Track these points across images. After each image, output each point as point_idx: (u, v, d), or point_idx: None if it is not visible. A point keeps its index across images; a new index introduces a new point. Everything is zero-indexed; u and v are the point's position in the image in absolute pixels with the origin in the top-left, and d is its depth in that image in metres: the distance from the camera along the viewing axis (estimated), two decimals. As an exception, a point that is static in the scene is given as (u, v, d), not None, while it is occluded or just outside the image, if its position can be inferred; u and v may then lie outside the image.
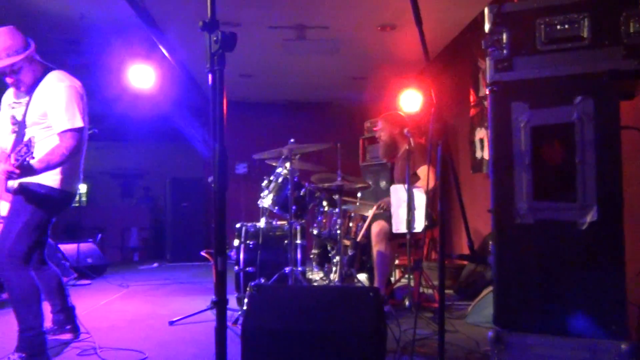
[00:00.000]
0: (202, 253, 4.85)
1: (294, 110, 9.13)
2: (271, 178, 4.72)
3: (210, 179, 4.72)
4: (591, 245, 2.18)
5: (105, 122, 9.45)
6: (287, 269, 4.18)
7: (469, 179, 6.18)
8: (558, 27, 2.37)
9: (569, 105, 2.26)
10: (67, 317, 3.59)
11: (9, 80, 3.09)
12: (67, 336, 3.57)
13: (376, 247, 4.41)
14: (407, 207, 4.09)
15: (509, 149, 2.32)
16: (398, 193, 4.25)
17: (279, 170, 4.69)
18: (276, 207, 4.58)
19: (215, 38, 1.54)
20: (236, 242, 4.60)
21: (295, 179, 4.61)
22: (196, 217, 8.14)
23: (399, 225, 4.19)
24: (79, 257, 6.01)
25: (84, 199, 11.51)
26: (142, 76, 6.57)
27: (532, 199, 2.27)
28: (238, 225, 4.74)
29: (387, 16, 5.47)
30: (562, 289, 2.19)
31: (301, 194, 4.64)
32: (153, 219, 9.67)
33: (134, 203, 10.90)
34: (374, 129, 5.08)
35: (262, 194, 4.71)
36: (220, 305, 1.46)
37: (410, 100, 6.73)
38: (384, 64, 6.84)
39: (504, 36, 2.46)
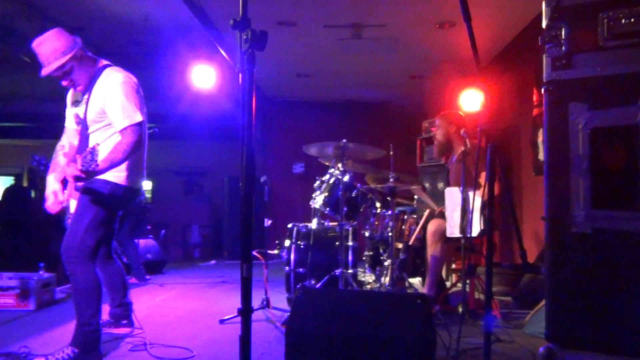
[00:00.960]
0: (254, 253, 4.85)
1: (351, 110, 9.06)
2: (323, 178, 4.68)
3: (262, 179, 4.76)
4: (656, 259, 2.00)
5: (167, 121, 9.72)
6: (337, 271, 4.11)
7: (531, 181, 5.91)
8: (623, 21, 2.20)
9: (633, 106, 2.08)
10: (124, 312, 3.68)
11: (64, 83, 3.16)
12: (122, 330, 3.65)
13: (430, 248, 4.29)
14: (462, 210, 3.94)
15: (566, 152, 2.17)
16: (453, 196, 4.11)
17: (331, 170, 4.63)
18: (327, 208, 4.53)
19: (245, 37, 1.49)
20: (287, 243, 4.58)
21: (348, 180, 4.55)
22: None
23: (453, 229, 4.04)
24: (138, 253, 6.14)
25: (148, 195, 11.86)
26: (203, 76, 6.66)
27: (590, 206, 2.12)
28: (290, 226, 4.72)
29: (445, 13, 5.32)
30: (620, 305, 2.03)
31: (353, 195, 4.55)
32: (213, 216, 9.83)
33: (196, 200, 11.12)
34: (432, 128, 4.94)
35: (314, 195, 4.67)
36: (245, 314, 1.41)
37: (471, 100, 6.51)
38: (443, 62, 6.67)
39: (563, 32, 2.31)
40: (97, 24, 5.76)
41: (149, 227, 6.84)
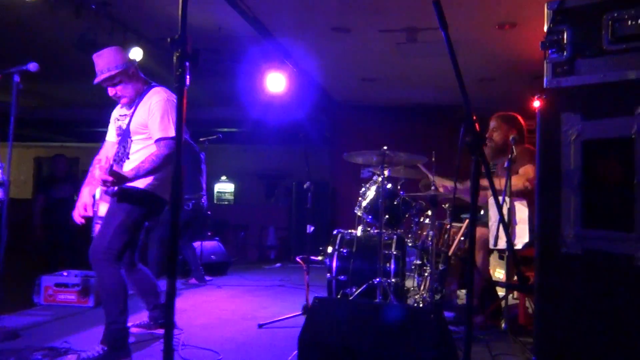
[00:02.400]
0: (297, 259, 4.90)
1: (420, 114, 8.90)
2: (367, 185, 4.65)
3: (306, 185, 4.80)
4: (650, 285, 1.81)
5: (244, 125, 10.05)
6: (376, 280, 4.07)
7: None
8: (629, 22, 2.01)
9: (629, 116, 1.89)
10: (162, 314, 3.83)
11: (110, 93, 3.38)
12: (161, 331, 3.82)
13: (478, 254, 4.13)
14: (506, 221, 3.76)
15: (557, 166, 2.01)
16: (496, 205, 3.94)
17: (374, 178, 4.60)
18: (369, 216, 4.51)
19: (178, 54, 1.51)
20: (329, 249, 4.58)
21: (391, 187, 4.50)
22: (318, 220, 8.29)
23: (496, 240, 3.87)
24: (202, 254, 6.40)
25: (231, 197, 12.29)
26: (275, 83, 6.83)
27: (580, 225, 1.95)
28: (335, 232, 4.72)
29: (503, 14, 5.09)
30: (611, 333, 1.85)
31: (395, 202, 4.48)
32: (290, 219, 10.01)
33: (274, 203, 11.39)
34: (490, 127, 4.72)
35: (358, 202, 4.66)
36: (166, 333, 1.42)
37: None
38: (509, 64, 6.37)
39: (565, 35, 2.14)
40: (176, 34, 6.06)
41: (210, 233, 7.07)
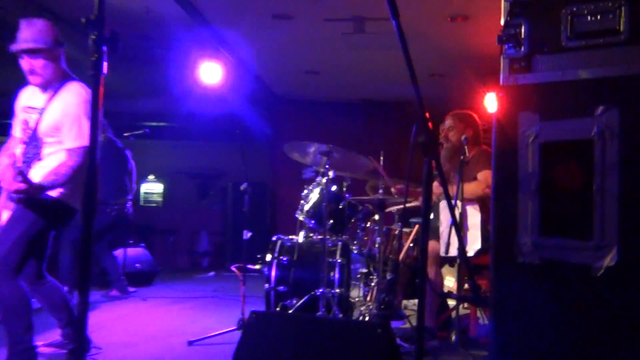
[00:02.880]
0: (232, 268, 4.82)
1: (370, 109, 8.97)
2: (310, 187, 4.62)
3: (242, 187, 4.72)
4: (608, 297, 1.85)
5: (175, 120, 9.83)
6: (318, 291, 4.04)
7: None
8: (589, 18, 2.05)
9: (588, 117, 1.93)
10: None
11: (25, 65, 3.17)
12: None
13: (429, 269, 4.17)
14: (458, 227, 3.81)
15: (513, 169, 2.03)
16: (448, 210, 3.98)
17: (318, 179, 4.56)
18: (312, 221, 4.47)
19: (94, 38, 1.42)
20: (268, 257, 4.51)
21: (335, 190, 4.48)
22: (256, 224, 8.22)
23: (448, 247, 3.91)
24: (125, 262, 6.20)
25: (159, 199, 12.01)
26: (210, 73, 6.66)
27: (538, 233, 1.98)
28: (274, 239, 4.66)
29: (455, 5, 5.18)
30: (569, 345, 1.89)
31: (340, 206, 4.47)
32: (225, 223, 9.86)
33: (208, 205, 11.21)
34: (442, 127, 4.78)
35: (300, 205, 4.61)
36: (77, 355, 1.33)
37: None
38: (461, 59, 6.50)
39: (523, 29, 2.17)
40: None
41: (132, 240, 6.88)
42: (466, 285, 5.44)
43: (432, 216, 4.94)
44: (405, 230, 4.47)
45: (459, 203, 3.82)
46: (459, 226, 3.80)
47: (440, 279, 4.21)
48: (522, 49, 2.17)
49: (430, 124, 2.09)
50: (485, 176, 4.15)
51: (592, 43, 2.04)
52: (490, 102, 6.29)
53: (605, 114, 1.92)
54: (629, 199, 1.86)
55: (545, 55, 2.13)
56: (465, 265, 2.98)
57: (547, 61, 2.12)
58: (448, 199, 2.17)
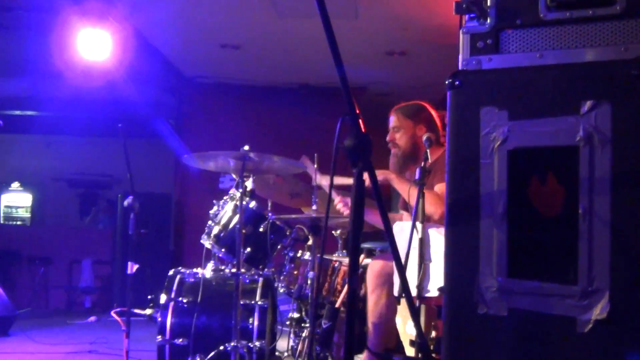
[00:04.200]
0: (112, 313, 4.68)
1: (303, 99, 8.95)
2: (221, 202, 4.55)
3: (127, 202, 4.58)
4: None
5: (45, 107, 9.60)
6: (229, 346, 3.96)
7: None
8: (574, -17, 2.03)
9: (572, 116, 1.89)
10: None
11: None
12: None
13: (372, 296, 4.12)
14: (418, 257, 3.78)
15: (473, 186, 1.98)
16: (404, 234, 3.94)
17: (231, 192, 4.51)
18: (222, 249, 4.40)
19: None
20: (163, 299, 4.39)
21: (254, 207, 4.42)
22: (154, 253, 8.08)
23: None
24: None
25: (26, 214, 11.70)
26: (95, 46, 6.53)
27: (505, 274, 1.93)
28: (171, 273, 4.55)
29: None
30: None
31: (261, 229, 4.40)
32: (114, 248, 9.65)
33: (91, 224, 10.99)
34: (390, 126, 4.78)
35: (207, 227, 4.53)
36: None
37: None
38: (425, 34, 6.55)
39: (490, -3, 2.13)
40: None
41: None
42: (434, 333, 5.45)
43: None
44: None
45: (418, 225, 3.78)
46: (420, 255, 3.77)
47: (392, 310, 4.16)
48: (488, 21, 2.12)
49: (361, 122, 2.04)
50: (441, 189, 4.15)
51: (578, 16, 2.01)
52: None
53: (593, 111, 1.87)
54: (624, 226, 1.81)
55: (517, 30, 2.09)
56: (412, 311, 2.92)
57: (520, 39, 2.08)
58: (387, 226, 2.12)
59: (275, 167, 4.33)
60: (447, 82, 2.08)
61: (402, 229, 3.90)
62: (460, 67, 2.14)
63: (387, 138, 4.56)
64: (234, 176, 4.55)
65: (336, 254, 4.85)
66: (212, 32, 7.14)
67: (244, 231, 4.10)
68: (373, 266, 4.15)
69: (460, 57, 2.16)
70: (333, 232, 4.95)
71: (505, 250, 1.93)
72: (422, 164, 4.02)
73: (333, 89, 8.88)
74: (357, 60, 7.69)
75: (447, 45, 6.71)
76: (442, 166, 4.19)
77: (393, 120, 4.55)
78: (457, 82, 2.05)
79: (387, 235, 2.13)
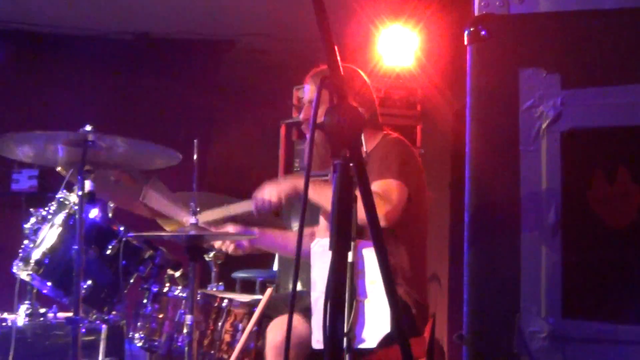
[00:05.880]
0: None
1: (152, 54, 8.93)
2: (44, 212, 4.46)
3: None
4: None
5: None
6: None
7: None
8: None
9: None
10: None
11: None
12: None
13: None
14: (347, 291, 3.83)
15: (508, 186, 2.01)
16: (325, 257, 3.98)
17: (60, 195, 4.42)
18: (48, 283, 4.31)
19: None
20: None
21: (98, 217, 4.36)
22: None
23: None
24: None
25: None
26: None
27: (560, 312, 1.97)
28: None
29: None
30: None
31: (108, 251, 4.34)
32: None
33: None
34: (304, 99, 4.87)
35: (22, 249, 4.43)
36: None
37: (396, 46, 6.60)
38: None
39: None
40: None
41: None
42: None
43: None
44: (242, 298, 4.42)
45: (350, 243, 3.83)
46: (350, 288, 3.82)
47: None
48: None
49: (342, 86, 2.05)
50: (387, 188, 4.22)
51: None
52: (387, 47, 6.55)
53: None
54: None
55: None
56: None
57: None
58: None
59: (133, 157, 4.30)
60: (466, 33, 2.10)
61: (324, 248, 3.94)
62: (476, 10, 2.17)
63: (301, 117, 4.60)
64: (61, 172, 4.48)
65: (212, 287, 4.87)
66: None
67: (83, 254, 4.04)
68: (271, 342, 4.15)
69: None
70: (205, 256, 4.95)
71: (558, 278, 1.97)
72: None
73: (185, 41, 8.92)
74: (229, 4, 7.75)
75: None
76: (382, 157, 4.29)
77: (310, 90, 4.59)
78: (483, 32, 2.08)
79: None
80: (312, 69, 4.73)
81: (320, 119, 4.44)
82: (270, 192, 4.15)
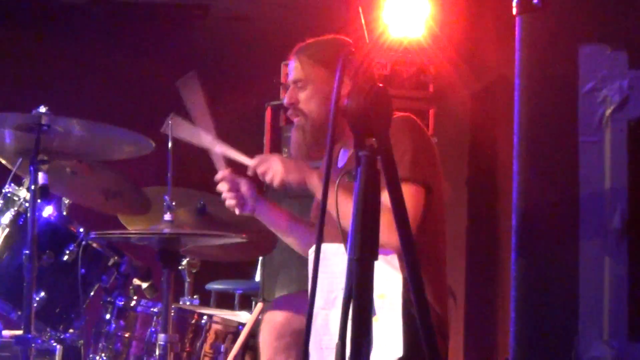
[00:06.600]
0: None
1: (112, 20, 8.96)
2: None
3: None
4: None
5: None
6: None
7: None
8: None
9: None
10: None
11: None
12: None
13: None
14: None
15: (564, 184, 2.01)
16: (330, 267, 4.02)
17: (7, 189, 4.41)
18: None
19: None
20: None
21: (53, 217, 4.37)
22: None
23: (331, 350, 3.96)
24: None
25: None
26: None
27: (625, 335, 1.98)
28: None
29: None
30: None
31: (65, 257, 4.34)
32: None
33: None
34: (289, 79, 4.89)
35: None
36: None
37: (404, 13, 6.64)
38: None
39: None
40: None
41: None
42: None
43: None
44: (225, 314, 4.44)
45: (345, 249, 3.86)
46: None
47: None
48: None
49: (369, 67, 2.05)
50: (406, 194, 4.23)
51: None
52: (394, 14, 6.58)
53: None
54: None
55: None
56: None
57: None
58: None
59: (95, 144, 4.28)
60: (515, 1, 2.10)
61: (326, 255, 3.95)
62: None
63: (285, 100, 4.61)
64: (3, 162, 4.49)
65: (185, 301, 4.89)
66: None
67: (34, 262, 4.05)
68: (270, 321, 4.19)
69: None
70: (190, 263, 5.00)
71: (624, 294, 1.97)
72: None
73: (158, 4, 8.93)
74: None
75: None
76: (396, 149, 4.30)
77: (295, 68, 4.59)
78: (535, 0, 2.08)
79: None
80: (299, 42, 4.76)
81: (304, 105, 4.52)
82: (274, 174, 4.12)
